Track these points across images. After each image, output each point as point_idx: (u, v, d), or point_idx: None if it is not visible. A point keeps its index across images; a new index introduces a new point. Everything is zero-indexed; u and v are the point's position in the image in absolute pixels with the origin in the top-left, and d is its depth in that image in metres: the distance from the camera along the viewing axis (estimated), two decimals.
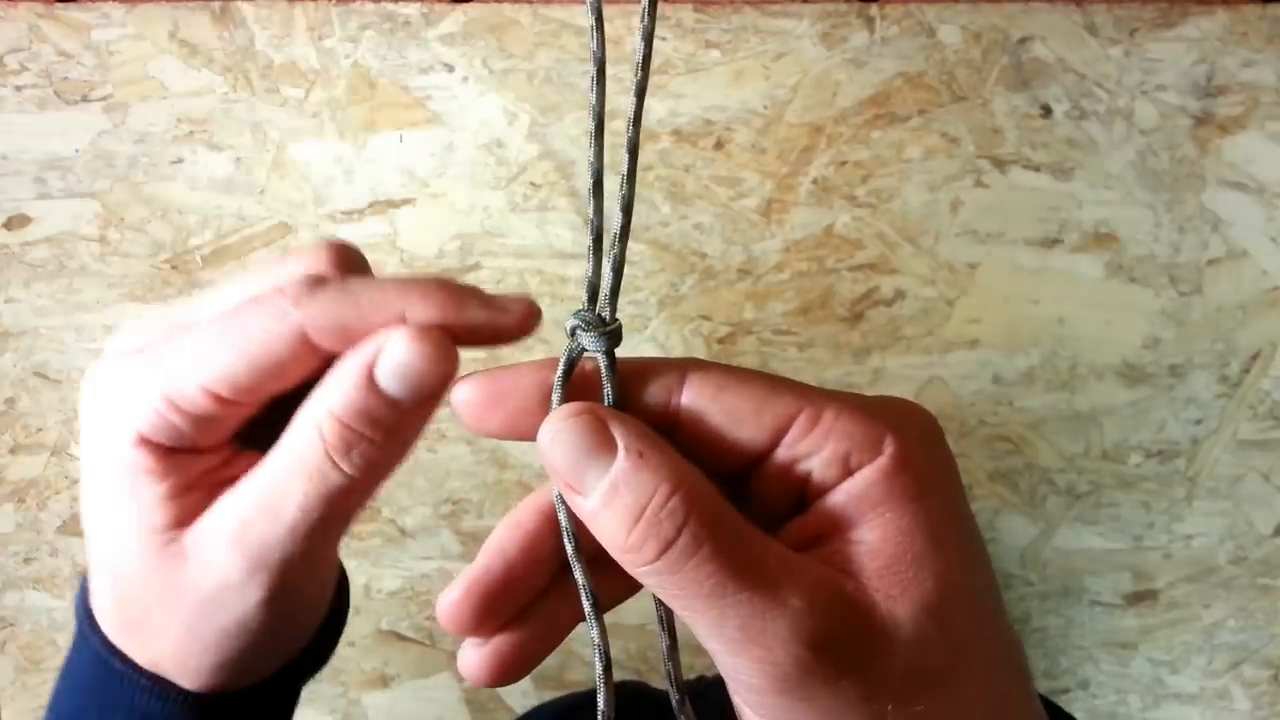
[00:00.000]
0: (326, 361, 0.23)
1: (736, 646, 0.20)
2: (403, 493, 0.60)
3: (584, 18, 0.53)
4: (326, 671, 0.31)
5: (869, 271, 0.57)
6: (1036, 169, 0.55)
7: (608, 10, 0.53)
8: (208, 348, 0.22)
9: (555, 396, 0.22)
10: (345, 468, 0.22)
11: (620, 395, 0.23)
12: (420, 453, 0.60)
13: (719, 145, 0.55)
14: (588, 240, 0.24)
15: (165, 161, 0.55)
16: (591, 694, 0.25)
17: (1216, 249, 0.56)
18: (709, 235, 0.56)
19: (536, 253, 0.56)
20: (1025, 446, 0.60)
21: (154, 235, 0.56)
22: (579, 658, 0.63)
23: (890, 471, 0.21)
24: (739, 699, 0.22)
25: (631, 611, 0.63)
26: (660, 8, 0.54)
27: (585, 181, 0.24)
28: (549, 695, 0.60)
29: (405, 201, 0.56)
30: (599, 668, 0.24)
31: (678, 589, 0.20)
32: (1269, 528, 0.62)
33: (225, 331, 0.22)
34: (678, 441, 0.22)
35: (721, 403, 0.22)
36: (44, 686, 0.64)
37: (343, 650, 0.44)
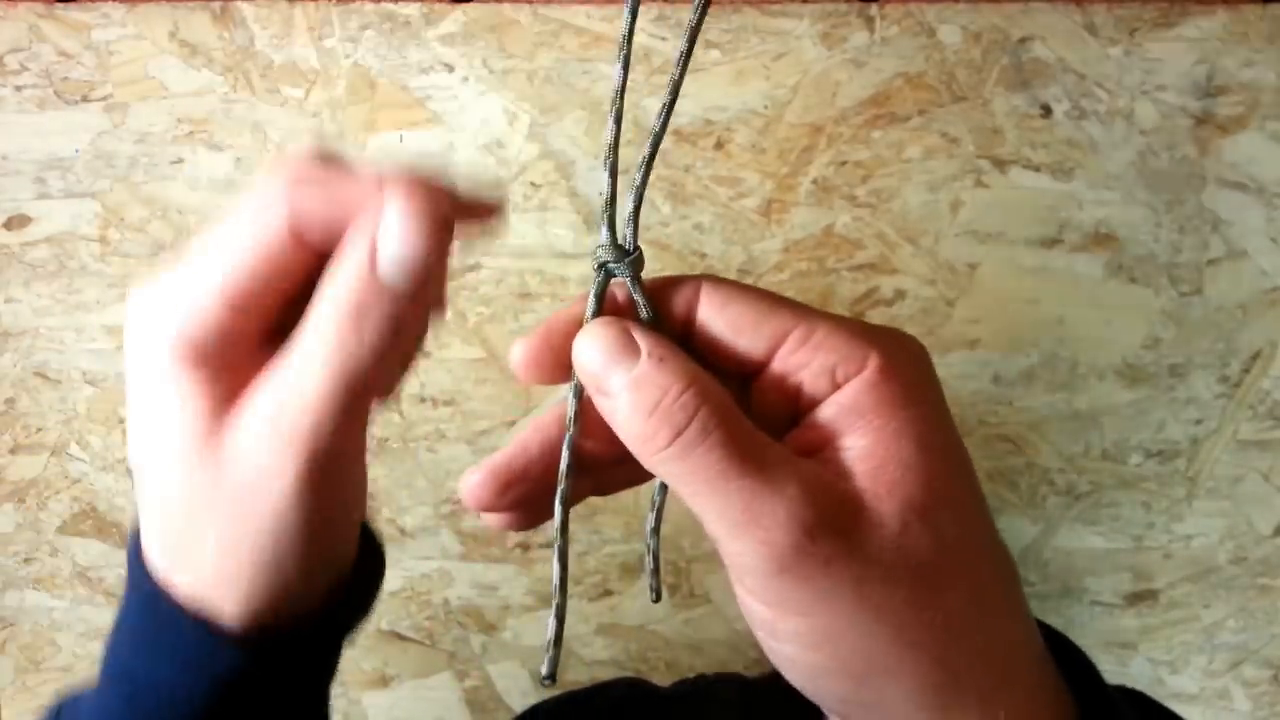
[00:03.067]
0: (323, 257, 0.24)
1: (738, 530, 0.22)
2: (403, 493, 0.60)
3: (584, 18, 0.53)
4: None
5: (869, 271, 0.57)
6: (1036, 169, 0.55)
7: (614, 10, 0.53)
8: (212, 264, 0.24)
9: (588, 316, 0.25)
10: (363, 337, 0.23)
11: (651, 312, 0.25)
12: (420, 453, 0.60)
13: (719, 145, 0.55)
14: (604, 175, 0.25)
15: (165, 161, 0.55)
16: (591, 693, 0.26)
17: (1216, 249, 0.56)
18: (709, 235, 0.56)
19: (536, 253, 0.56)
20: (1025, 446, 0.60)
21: (154, 235, 0.56)
22: (579, 658, 0.63)
23: (875, 382, 0.23)
24: (741, 588, 0.24)
25: (632, 612, 0.63)
26: (660, 7, 0.54)
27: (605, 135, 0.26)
28: (548, 695, 0.60)
29: None
30: (556, 569, 0.26)
31: (687, 474, 0.23)
32: (1269, 528, 0.62)
33: (221, 246, 0.24)
34: (691, 348, 0.25)
35: (727, 314, 0.25)
36: (44, 686, 0.64)
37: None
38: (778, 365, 0.24)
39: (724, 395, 0.23)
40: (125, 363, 0.26)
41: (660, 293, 0.26)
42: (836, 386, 0.24)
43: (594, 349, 0.24)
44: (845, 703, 0.24)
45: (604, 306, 0.26)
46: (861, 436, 0.23)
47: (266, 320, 0.25)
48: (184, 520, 0.26)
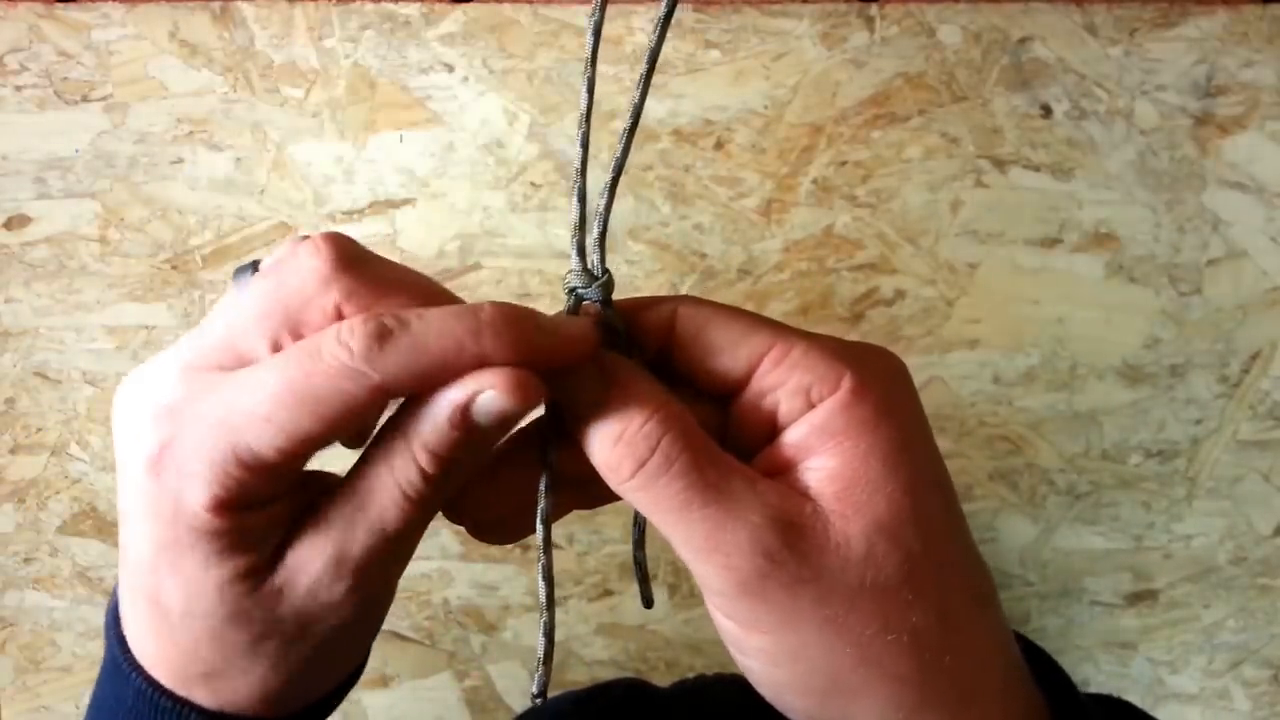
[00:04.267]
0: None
1: (703, 555, 0.23)
2: None
3: (584, 18, 0.53)
4: None
5: (869, 271, 0.57)
6: (1036, 169, 0.55)
7: (614, 10, 0.53)
8: (277, 409, 0.22)
9: None
10: (439, 487, 0.24)
11: (623, 336, 0.25)
12: None
13: (719, 145, 0.55)
14: (573, 200, 0.25)
15: (165, 161, 0.55)
16: (592, 693, 0.26)
17: (1216, 249, 0.56)
18: (709, 235, 0.56)
19: (536, 253, 0.56)
20: (1025, 446, 0.60)
21: (154, 235, 0.56)
22: (579, 658, 0.63)
23: (847, 403, 0.23)
24: (711, 605, 0.24)
25: (632, 612, 0.63)
26: (657, 8, 0.54)
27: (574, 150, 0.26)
28: (548, 694, 0.60)
29: (405, 201, 0.56)
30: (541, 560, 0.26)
31: (651, 503, 0.23)
32: (1269, 528, 0.62)
33: (294, 392, 0.22)
34: (670, 370, 0.25)
35: (705, 336, 0.25)
36: (44, 686, 0.64)
37: None
38: (755, 385, 0.24)
39: (688, 422, 0.23)
40: (129, 502, 0.24)
41: (636, 314, 0.26)
42: (811, 406, 0.24)
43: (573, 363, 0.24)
44: (812, 718, 0.24)
45: None
46: (831, 457, 0.23)
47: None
48: (217, 658, 0.25)
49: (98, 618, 0.63)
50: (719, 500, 0.23)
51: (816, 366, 0.24)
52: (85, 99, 0.54)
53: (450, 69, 0.54)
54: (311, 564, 0.24)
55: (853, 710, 0.23)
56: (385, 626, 0.63)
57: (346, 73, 0.54)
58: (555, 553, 0.62)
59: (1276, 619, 0.64)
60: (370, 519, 0.24)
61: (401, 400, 0.24)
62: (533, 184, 0.56)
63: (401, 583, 0.28)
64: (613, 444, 0.23)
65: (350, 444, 0.26)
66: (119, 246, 0.56)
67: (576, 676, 0.64)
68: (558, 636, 0.63)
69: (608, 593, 0.62)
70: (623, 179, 0.26)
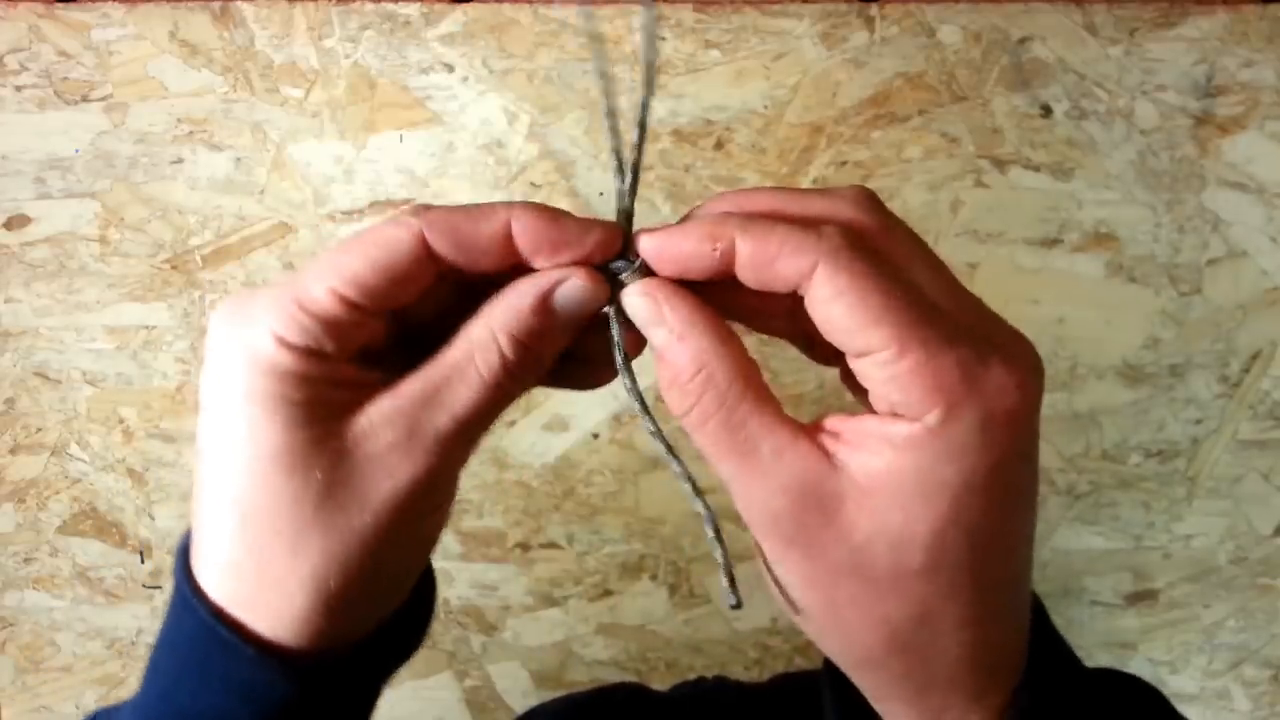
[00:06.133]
0: (438, 280, 0.26)
1: (732, 492, 0.26)
2: None
3: (584, 18, 0.53)
4: None
5: None
6: (1036, 169, 0.55)
7: (607, 10, 0.53)
8: (336, 255, 0.25)
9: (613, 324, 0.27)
10: (514, 371, 0.26)
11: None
12: None
13: (719, 145, 0.55)
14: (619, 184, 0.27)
15: (165, 161, 0.55)
16: (591, 694, 0.27)
17: (1216, 249, 0.56)
18: None
19: None
20: None
21: (154, 235, 0.56)
22: (579, 658, 0.63)
23: (916, 437, 0.24)
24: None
25: (632, 612, 0.63)
26: (660, 8, 0.54)
27: (606, 178, 0.27)
28: (549, 695, 0.60)
29: (405, 201, 0.56)
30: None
31: (697, 442, 0.26)
32: (1269, 528, 0.62)
33: (353, 241, 0.25)
34: (799, 316, 0.26)
35: (834, 307, 0.24)
36: (44, 686, 0.64)
37: None
38: (860, 365, 0.25)
39: (733, 379, 0.25)
40: (207, 371, 0.26)
41: (771, 259, 0.25)
42: (892, 416, 0.25)
43: (634, 311, 0.27)
44: (805, 631, 0.27)
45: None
46: (879, 461, 0.24)
47: (375, 325, 0.26)
48: (268, 533, 0.25)
49: (98, 618, 0.63)
50: (743, 459, 0.25)
51: (913, 390, 0.24)
52: (85, 99, 0.54)
53: (450, 69, 0.54)
54: (382, 433, 0.25)
55: (824, 640, 0.27)
56: None
57: (346, 73, 0.54)
58: (554, 552, 0.62)
59: (1276, 619, 0.64)
60: (446, 398, 0.26)
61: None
62: (533, 184, 0.56)
63: None
64: (668, 386, 0.26)
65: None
66: (119, 246, 0.56)
67: (576, 676, 0.64)
68: (558, 636, 0.63)
69: (608, 593, 0.62)
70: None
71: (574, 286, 0.26)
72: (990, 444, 0.24)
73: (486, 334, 0.26)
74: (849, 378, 0.27)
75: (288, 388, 0.25)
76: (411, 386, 0.26)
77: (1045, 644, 0.29)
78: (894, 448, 0.24)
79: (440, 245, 0.25)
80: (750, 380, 0.26)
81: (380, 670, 0.30)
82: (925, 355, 0.24)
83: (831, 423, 0.26)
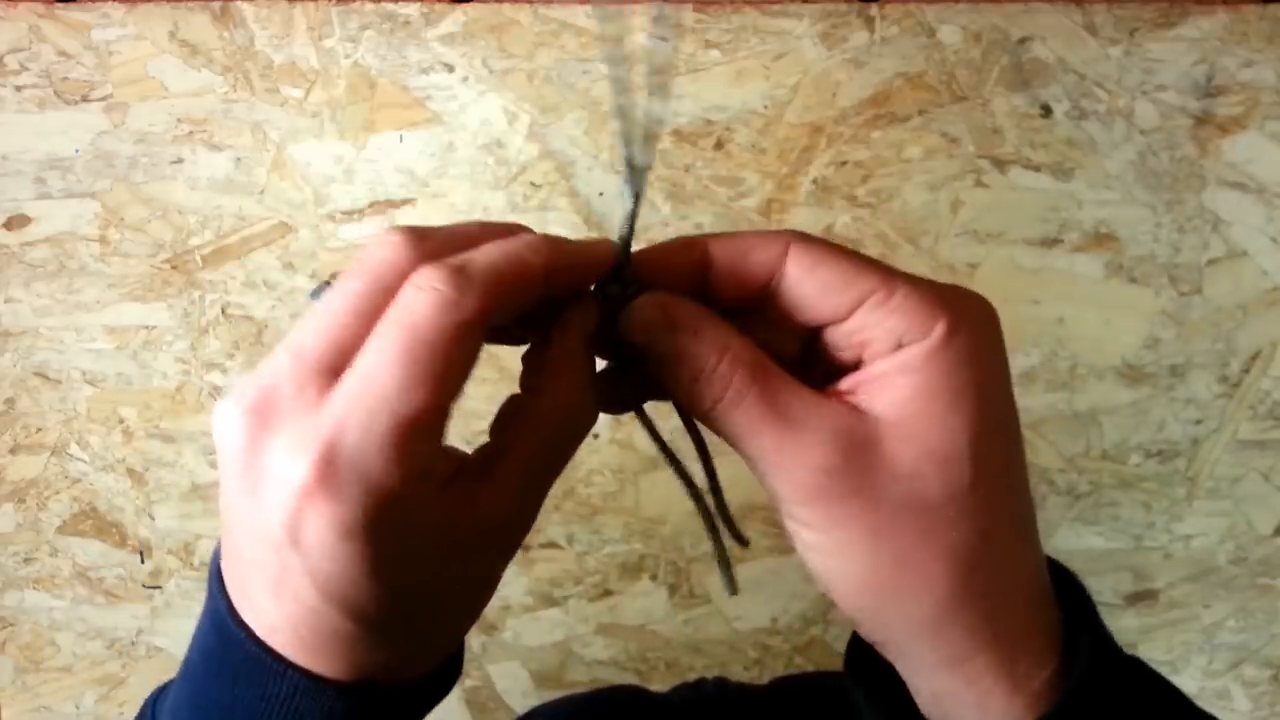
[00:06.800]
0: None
1: (773, 471, 0.26)
2: None
3: (584, 18, 0.53)
4: None
5: None
6: (1036, 169, 0.55)
7: (613, 10, 0.53)
8: (406, 371, 0.23)
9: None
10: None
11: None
12: None
13: (719, 145, 0.55)
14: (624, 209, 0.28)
15: (165, 161, 0.55)
16: (591, 694, 0.26)
17: (1216, 249, 0.56)
18: None
19: None
20: (1025, 446, 0.60)
21: (154, 235, 0.56)
22: (579, 658, 0.63)
23: (932, 349, 0.25)
24: (782, 511, 0.27)
25: (632, 612, 0.63)
26: (659, 7, 0.54)
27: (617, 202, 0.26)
28: (549, 695, 0.60)
29: (405, 201, 0.56)
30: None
31: (728, 430, 0.27)
32: (1269, 528, 0.62)
33: (409, 349, 0.23)
34: (778, 304, 0.27)
35: (816, 275, 0.27)
36: (44, 686, 0.64)
37: None
38: (854, 321, 0.26)
39: (754, 356, 0.26)
40: (277, 505, 0.23)
41: (745, 251, 0.27)
42: (900, 347, 0.26)
43: (642, 320, 0.27)
44: (860, 610, 0.28)
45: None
46: (903, 389, 0.26)
47: None
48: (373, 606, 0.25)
49: (98, 618, 0.63)
50: (785, 425, 0.26)
51: (915, 312, 0.26)
52: (85, 99, 0.54)
53: (450, 69, 0.54)
54: (506, 474, 0.27)
55: (889, 605, 0.27)
56: None
57: (346, 73, 0.54)
58: (554, 552, 0.62)
59: (1276, 619, 0.64)
60: (559, 444, 0.27)
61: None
62: (533, 184, 0.56)
63: None
64: (691, 382, 0.26)
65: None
66: (119, 246, 0.56)
67: (576, 677, 0.64)
68: (558, 636, 0.63)
69: (608, 593, 0.62)
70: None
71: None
72: (994, 346, 0.27)
73: (585, 383, 0.28)
74: (839, 343, 0.27)
75: (422, 501, 0.24)
76: (527, 434, 0.27)
77: (1079, 603, 0.30)
78: (913, 370, 0.25)
79: (493, 309, 0.25)
80: (767, 355, 0.27)
81: (422, 707, 0.30)
82: (912, 285, 0.26)
83: (845, 382, 0.27)
